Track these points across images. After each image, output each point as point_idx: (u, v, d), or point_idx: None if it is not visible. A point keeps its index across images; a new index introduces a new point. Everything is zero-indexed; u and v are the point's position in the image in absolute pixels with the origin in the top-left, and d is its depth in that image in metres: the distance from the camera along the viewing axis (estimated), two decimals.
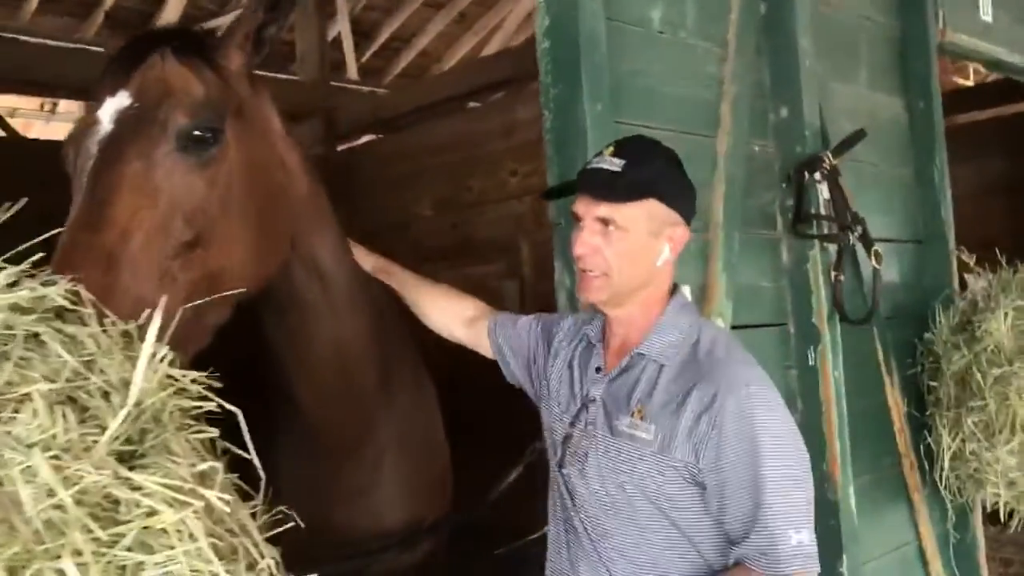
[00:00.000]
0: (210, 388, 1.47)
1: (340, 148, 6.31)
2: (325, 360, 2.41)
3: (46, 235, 1.43)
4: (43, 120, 9.11)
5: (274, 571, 1.33)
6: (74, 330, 1.31)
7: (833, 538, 3.35)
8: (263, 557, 1.36)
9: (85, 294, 1.36)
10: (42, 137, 8.49)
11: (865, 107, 3.97)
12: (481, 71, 5.89)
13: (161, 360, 1.35)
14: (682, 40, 3.17)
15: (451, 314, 2.67)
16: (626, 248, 2.07)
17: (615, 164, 2.07)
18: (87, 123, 1.94)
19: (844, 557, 3.34)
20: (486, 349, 2.60)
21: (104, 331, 1.34)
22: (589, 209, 2.08)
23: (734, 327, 3.15)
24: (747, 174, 3.30)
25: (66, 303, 1.32)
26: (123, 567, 1.16)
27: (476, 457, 2.87)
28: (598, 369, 2.21)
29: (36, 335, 1.30)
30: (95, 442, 1.17)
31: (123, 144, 1.87)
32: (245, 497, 1.47)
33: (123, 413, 1.19)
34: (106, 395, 1.27)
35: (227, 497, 1.25)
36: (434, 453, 2.85)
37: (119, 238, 1.77)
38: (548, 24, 2.76)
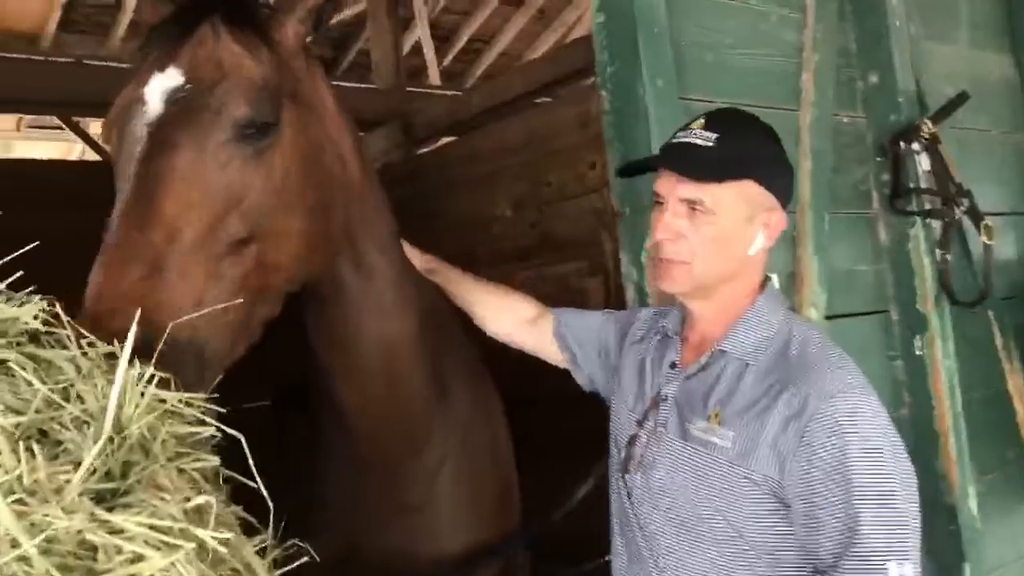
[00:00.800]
0: (210, 409, 1.31)
1: (419, 152, 6.21)
2: (369, 361, 2.20)
3: (20, 251, 1.28)
4: None
5: None
6: (51, 354, 1.17)
7: (953, 545, 3.02)
8: None
9: (63, 315, 1.22)
10: None
11: (967, 68, 3.60)
12: (552, 64, 5.69)
13: (148, 382, 1.20)
14: (754, 7, 2.91)
15: (509, 316, 2.46)
16: (714, 234, 1.83)
17: (706, 138, 1.83)
18: (132, 99, 1.78)
19: (966, 566, 3.01)
20: (551, 352, 2.38)
21: (84, 354, 1.20)
22: (673, 188, 1.84)
23: (828, 317, 2.87)
24: (835, 148, 3.01)
25: (40, 325, 1.18)
26: None
27: (545, 471, 2.68)
28: (673, 365, 1.98)
29: (2, 362, 1.16)
30: (67, 481, 1.02)
31: (174, 132, 1.73)
32: (254, 530, 1.32)
33: (98, 446, 1.03)
34: (85, 426, 1.12)
35: (226, 536, 1.09)
36: (498, 468, 2.63)
37: (168, 235, 1.64)
38: None
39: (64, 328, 1.26)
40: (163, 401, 1.25)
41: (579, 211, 4.79)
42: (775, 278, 2.12)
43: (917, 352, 3.09)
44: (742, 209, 1.84)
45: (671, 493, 1.84)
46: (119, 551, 0.98)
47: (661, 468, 1.87)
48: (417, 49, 8.84)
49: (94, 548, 0.99)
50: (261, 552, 1.26)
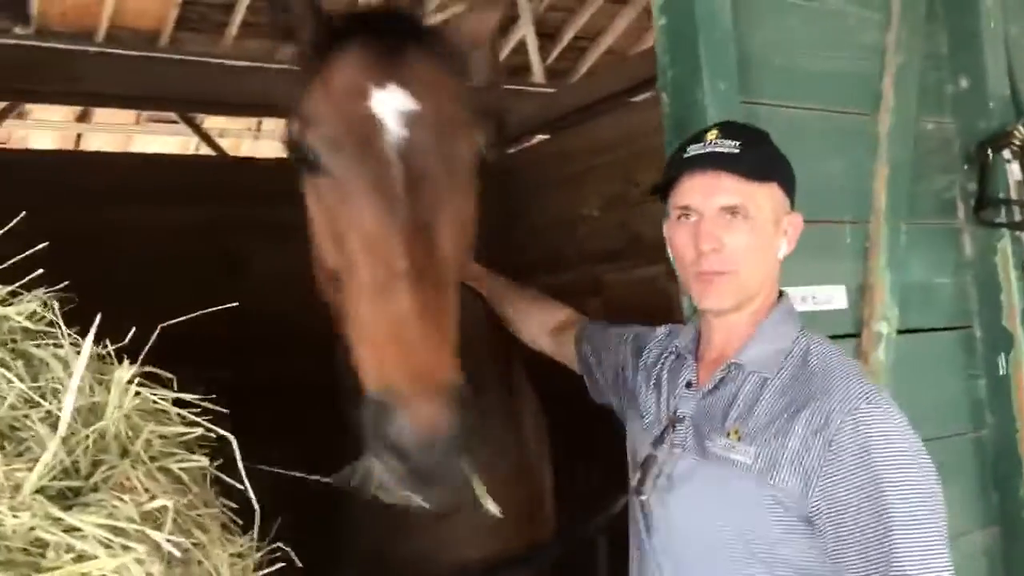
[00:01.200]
0: (206, 411, 1.34)
1: (511, 151, 6.22)
2: None
3: (37, 247, 1.33)
4: (251, 139, 9.61)
5: None
6: (42, 353, 1.21)
7: None
8: None
9: (57, 313, 1.26)
10: (250, 155, 8.99)
11: None
12: (644, 62, 5.61)
13: (130, 382, 1.23)
14: (831, 8, 2.80)
15: (537, 322, 2.46)
16: (756, 241, 1.80)
17: (729, 146, 1.80)
18: (360, 113, 1.76)
19: None
20: (571, 360, 2.36)
21: (78, 353, 1.24)
22: (709, 198, 1.80)
23: (902, 332, 2.74)
24: (917, 155, 2.87)
25: (29, 324, 1.22)
26: None
27: (585, 480, 2.64)
28: (688, 384, 1.93)
29: None
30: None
31: (435, 165, 1.76)
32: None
33: (53, 445, 1.06)
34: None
35: (179, 540, 1.10)
36: (525, 475, 2.59)
37: (452, 276, 1.72)
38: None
39: (60, 327, 1.29)
40: (156, 402, 1.28)
41: None
42: (795, 292, 2.06)
43: (1001, 372, 2.92)
44: (771, 213, 1.83)
45: (690, 515, 1.79)
46: (70, 549, 1.01)
47: (680, 489, 1.81)
48: (522, 46, 8.86)
49: (46, 545, 1.02)
50: (240, 556, 1.29)
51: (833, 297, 2.67)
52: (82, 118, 8.59)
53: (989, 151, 2.89)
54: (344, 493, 2.34)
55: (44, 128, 8.61)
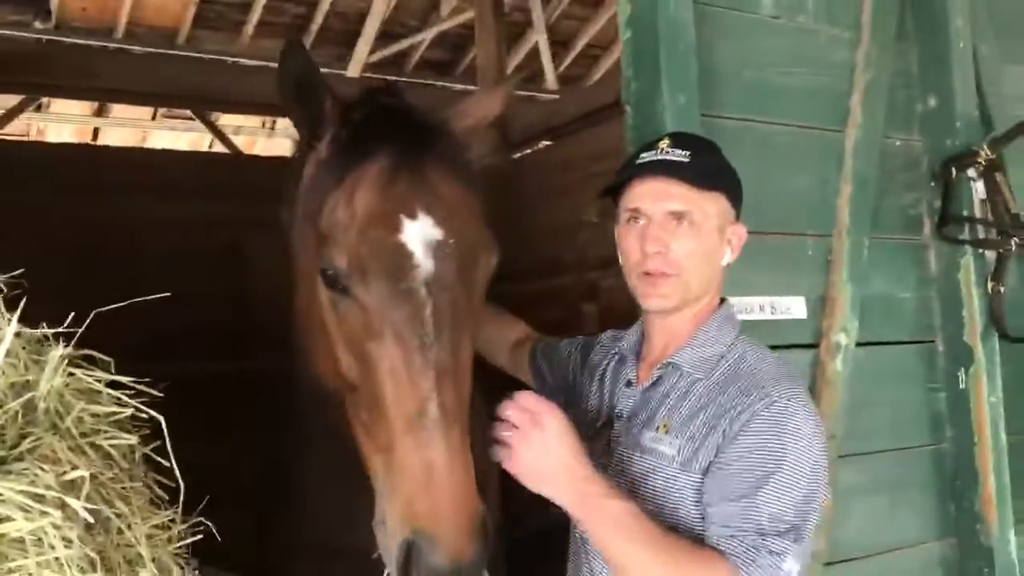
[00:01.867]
0: (143, 393, 1.43)
1: (514, 156, 6.30)
2: None
3: None
4: (264, 136, 9.75)
5: None
6: None
7: None
8: (160, 572, 1.31)
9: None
10: (264, 153, 9.13)
11: None
12: None
13: (65, 362, 1.33)
14: (801, 25, 2.87)
15: (497, 340, 2.52)
16: (699, 246, 1.89)
17: (680, 155, 1.89)
18: (391, 244, 1.72)
19: None
20: (527, 376, 2.44)
21: (18, 335, 1.33)
22: (659, 202, 1.88)
23: (863, 344, 2.81)
24: (884, 172, 2.94)
25: None
26: None
27: None
28: (629, 383, 2.03)
29: None
30: None
31: (460, 295, 1.75)
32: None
33: None
34: None
35: (92, 507, 1.20)
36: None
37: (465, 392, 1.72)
38: (629, 13, 2.57)
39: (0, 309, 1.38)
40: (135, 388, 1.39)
41: None
42: (736, 300, 2.14)
43: (961, 386, 2.98)
44: (717, 221, 1.91)
45: None
46: None
47: (611, 478, 1.86)
48: (535, 53, 8.94)
49: None
50: (169, 525, 1.38)
51: (792, 307, 2.73)
52: (99, 113, 8.75)
53: (953, 169, 2.95)
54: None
55: (62, 122, 8.78)
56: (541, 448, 1.66)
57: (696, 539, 1.75)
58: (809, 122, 2.84)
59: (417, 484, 1.59)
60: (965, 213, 2.96)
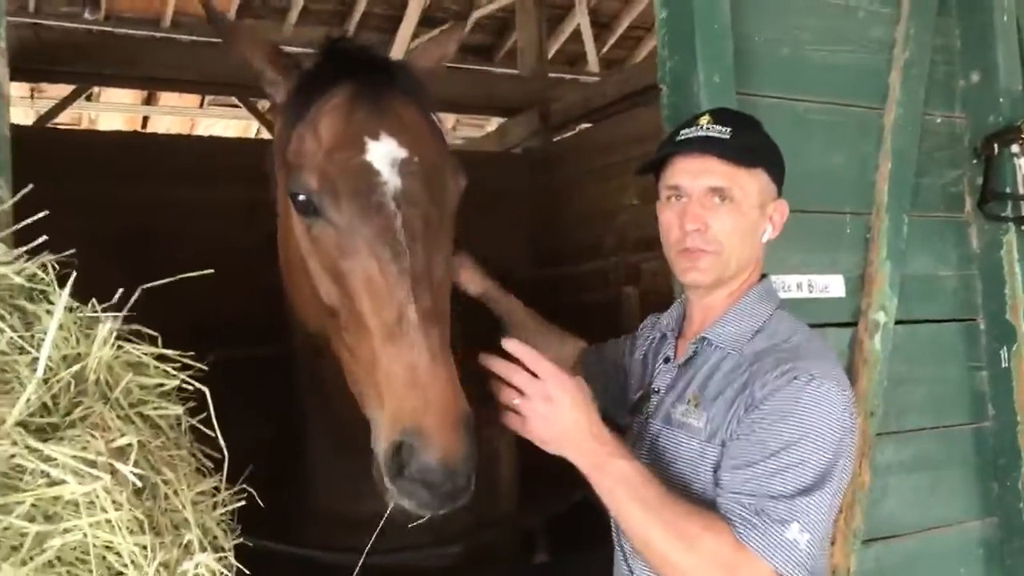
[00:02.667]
0: (187, 367, 1.49)
1: (556, 139, 6.31)
2: None
3: (38, 215, 1.49)
4: None
5: (199, 546, 1.32)
6: (34, 308, 1.38)
7: None
8: (205, 535, 1.36)
9: (51, 275, 1.42)
10: None
11: None
12: None
13: (113, 336, 1.39)
14: (839, 2, 2.85)
15: (548, 352, 2.54)
16: (740, 223, 1.88)
17: (720, 131, 1.88)
18: (359, 165, 1.82)
19: None
20: None
21: (70, 309, 1.40)
22: (698, 179, 1.88)
23: (900, 322, 2.80)
24: (924, 149, 2.92)
25: (24, 281, 1.38)
26: (24, 534, 1.20)
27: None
28: (667, 359, 2.05)
29: None
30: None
31: (432, 212, 1.85)
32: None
33: (32, 384, 1.23)
34: (47, 370, 1.32)
35: (140, 472, 1.26)
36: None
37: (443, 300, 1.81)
38: None
39: (53, 287, 1.44)
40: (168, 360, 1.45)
41: None
42: (774, 278, 2.13)
43: (1003, 364, 2.95)
44: (757, 198, 1.91)
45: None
46: (45, 476, 1.17)
47: (647, 457, 1.92)
48: (577, 35, 8.94)
49: (24, 471, 1.18)
50: (214, 492, 1.44)
51: (830, 285, 2.73)
52: (148, 101, 8.92)
53: (996, 145, 2.92)
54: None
55: (112, 111, 8.96)
56: (555, 414, 1.67)
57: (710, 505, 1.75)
58: (847, 99, 2.82)
59: (402, 386, 1.65)
60: (1008, 190, 2.92)
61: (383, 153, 1.83)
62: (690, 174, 1.89)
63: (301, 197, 1.84)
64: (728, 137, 1.87)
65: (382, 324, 1.71)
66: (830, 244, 2.76)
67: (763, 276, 2.04)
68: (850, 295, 2.76)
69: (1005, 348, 2.95)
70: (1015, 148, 2.92)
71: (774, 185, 1.95)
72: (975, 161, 3.01)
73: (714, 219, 1.87)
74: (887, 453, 2.77)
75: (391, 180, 1.81)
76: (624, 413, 2.17)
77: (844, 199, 2.79)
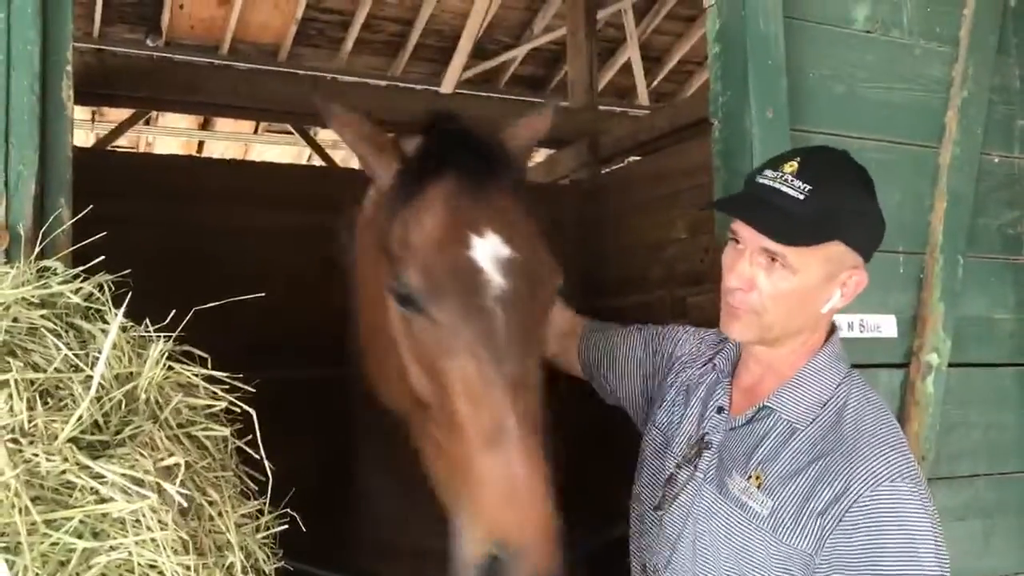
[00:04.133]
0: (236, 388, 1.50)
1: (604, 171, 6.32)
2: None
3: (96, 236, 1.53)
4: None
5: (241, 568, 1.32)
6: (89, 326, 1.40)
7: None
8: (247, 558, 1.37)
9: (107, 295, 1.44)
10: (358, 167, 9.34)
11: None
12: None
13: (165, 356, 1.41)
14: (895, 40, 2.82)
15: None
16: (790, 291, 1.75)
17: (798, 188, 1.71)
18: (461, 261, 1.78)
19: None
20: (573, 362, 2.38)
21: (124, 329, 1.42)
22: (756, 236, 1.75)
23: (954, 365, 2.74)
24: (981, 190, 2.88)
25: (78, 300, 1.41)
26: (71, 550, 1.21)
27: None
28: (720, 409, 1.95)
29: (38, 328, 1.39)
30: (61, 430, 1.24)
31: (530, 312, 1.81)
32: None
33: (84, 404, 1.24)
34: (101, 388, 1.34)
35: (186, 492, 1.27)
36: None
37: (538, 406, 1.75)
38: (718, 27, 2.58)
39: (108, 306, 1.47)
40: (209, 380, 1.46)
41: None
42: (847, 321, 2.06)
43: None
44: (824, 269, 1.76)
45: (696, 544, 1.84)
46: (94, 492, 1.19)
47: (697, 519, 1.86)
48: (628, 68, 8.96)
49: (74, 487, 1.20)
50: (257, 515, 1.45)
51: (882, 325, 2.69)
52: (204, 126, 9.09)
53: None
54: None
55: (169, 135, 9.15)
56: None
57: None
58: (902, 137, 2.79)
59: (498, 498, 1.60)
60: None
61: (487, 251, 1.80)
62: (750, 228, 1.77)
63: (404, 292, 1.80)
64: (802, 198, 1.70)
65: (479, 429, 1.67)
66: (883, 283, 2.71)
67: (832, 331, 1.92)
68: (902, 336, 2.71)
69: None
70: None
71: (854, 253, 1.78)
72: None
73: (763, 279, 1.76)
74: (939, 499, 2.67)
75: (494, 280, 1.77)
76: (655, 435, 2.10)
77: (898, 238, 2.74)
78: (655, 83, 9.39)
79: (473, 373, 1.70)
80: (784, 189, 1.73)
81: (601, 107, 6.98)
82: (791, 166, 1.76)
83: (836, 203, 1.73)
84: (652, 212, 5.42)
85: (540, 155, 7.40)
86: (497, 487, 1.61)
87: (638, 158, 6.22)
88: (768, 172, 1.79)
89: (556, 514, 1.62)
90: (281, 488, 1.56)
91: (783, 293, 1.75)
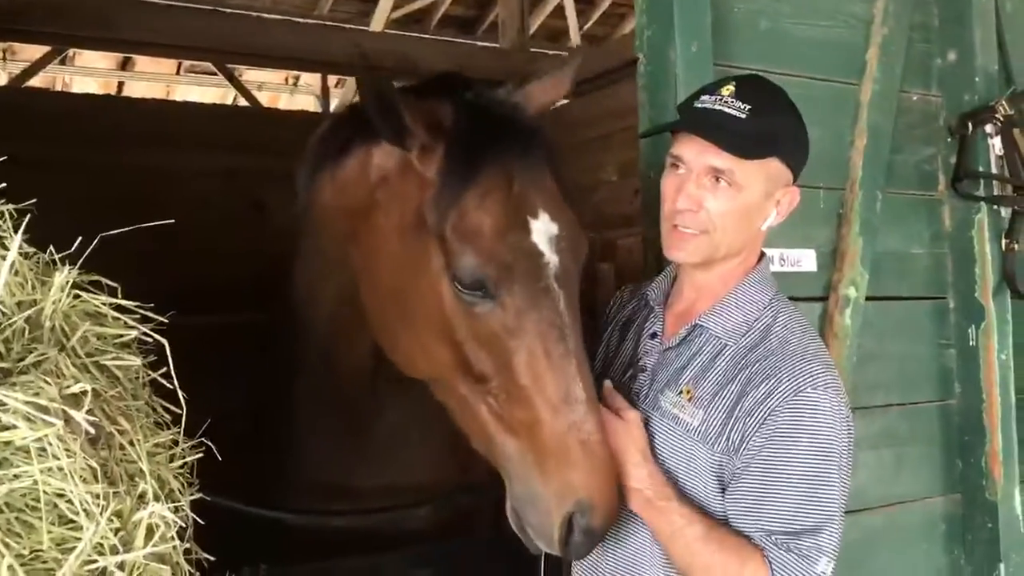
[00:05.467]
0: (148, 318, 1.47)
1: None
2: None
3: None
4: (287, 93, 9.77)
5: (155, 496, 1.30)
6: None
7: (990, 544, 2.92)
8: (161, 487, 1.35)
9: (7, 222, 1.38)
10: (287, 108, 9.16)
11: None
12: None
13: (70, 284, 1.36)
14: None
15: None
16: (737, 207, 1.81)
17: (738, 108, 1.79)
18: (524, 246, 1.81)
19: (1001, 566, 2.90)
20: None
21: (25, 255, 1.37)
22: (701, 155, 1.80)
23: (871, 298, 2.81)
24: (900, 127, 2.92)
25: None
26: None
27: None
28: (654, 335, 1.99)
29: None
30: None
31: (577, 279, 1.89)
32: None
33: None
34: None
35: (93, 419, 1.24)
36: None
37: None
38: None
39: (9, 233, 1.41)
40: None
41: None
42: (773, 253, 2.10)
43: (971, 343, 2.98)
44: (764, 186, 1.83)
45: None
46: None
47: None
48: (560, 11, 8.88)
49: None
50: (171, 445, 1.43)
51: (802, 259, 2.73)
52: (124, 67, 8.80)
53: (970, 124, 2.92)
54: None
55: (87, 75, 8.84)
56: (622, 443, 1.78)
57: (711, 512, 1.79)
58: (824, 74, 2.82)
59: (577, 461, 1.72)
60: (981, 169, 2.94)
61: (543, 232, 1.84)
62: (694, 150, 1.82)
63: (468, 280, 1.82)
64: (744, 117, 1.78)
65: (550, 401, 1.76)
66: (803, 218, 2.72)
67: (762, 256, 1.98)
68: (822, 270, 2.77)
69: (973, 327, 2.97)
70: (989, 128, 2.93)
71: (788, 172, 1.87)
72: (949, 140, 3.02)
73: (710, 199, 1.81)
74: (855, 429, 2.77)
75: (551, 259, 1.83)
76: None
77: (818, 174, 2.77)
78: (587, 25, 9.34)
79: (542, 350, 1.78)
80: (726, 110, 1.80)
81: (532, 49, 6.90)
82: (728, 89, 1.83)
83: (773, 122, 1.83)
84: (583, 154, 5.42)
85: None
86: (573, 452, 1.72)
87: (568, 100, 6.18)
88: (705, 97, 1.86)
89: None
90: (215, 431, 1.54)
91: (730, 210, 1.82)
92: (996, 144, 2.93)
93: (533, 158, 1.91)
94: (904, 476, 2.92)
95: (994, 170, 2.93)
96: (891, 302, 2.92)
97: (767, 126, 1.80)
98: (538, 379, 1.77)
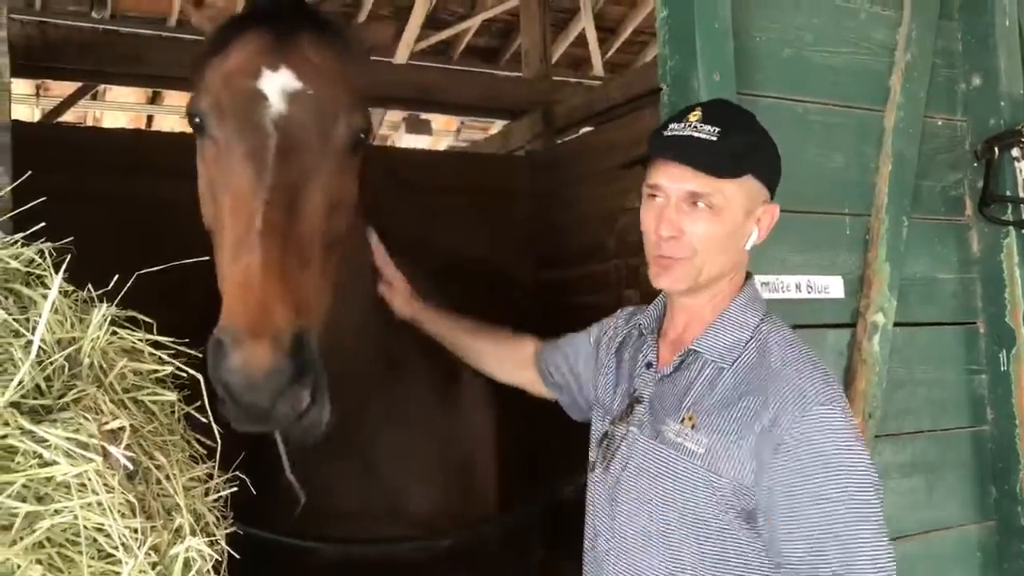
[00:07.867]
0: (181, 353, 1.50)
1: (559, 141, 6.32)
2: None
3: (32, 203, 1.50)
4: None
5: (191, 530, 1.32)
6: (30, 292, 1.38)
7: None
8: (196, 521, 1.37)
9: (48, 261, 1.42)
10: None
11: None
12: None
13: (108, 321, 1.39)
14: (841, 3, 2.85)
15: (507, 361, 2.48)
16: (718, 231, 1.80)
17: (708, 131, 1.79)
18: (247, 89, 1.91)
19: None
20: (538, 386, 2.41)
21: (64, 293, 1.40)
22: (677, 181, 1.79)
23: (900, 324, 2.80)
24: (925, 152, 2.93)
25: (18, 265, 1.39)
26: (14, 514, 1.20)
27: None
28: (649, 364, 1.97)
29: None
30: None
31: (307, 136, 1.92)
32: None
33: (25, 366, 1.23)
34: (42, 352, 1.32)
35: (131, 455, 1.26)
36: (455, 446, 2.71)
37: (310, 237, 1.84)
38: None
39: (49, 271, 1.45)
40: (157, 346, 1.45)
41: None
42: (759, 279, 2.09)
43: (1002, 368, 2.95)
44: (743, 204, 1.83)
45: (638, 495, 1.85)
46: (37, 456, 1.18)
47: (631, 470, 1.87)
48: (582, 40, 8.94)
49: (16, 452, 1.19)
50: (206, 479, 1.45)
51: (829, 287, 2.73)
52: (153, 101, 8.93)
53: (996, 149, 2.92)
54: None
55: (116, 110, 8.98)
56: None
57: (735, 543, 1.73)
58: (848, 101, 2.83)
59: (230, 287, 1.70)
60: (1008, 193, 2.93)
61: (276, 82, 1.92)
62: (670, 176, 1.81)
63: (196, 119, 1.96)
64: (715, 139, 1.78)
65: (233, 234, 1.78)
66: (830, 245, 2.76)
67: (748, 276, 1.98)
68: (849, 296, 2.76)
69: (1004, 352, 2.94)
70: (1015, 152, 2.93)
71: (765, 189, 1.87)
72: (976, 164, 3.02)
73: (690, 224, 1.79)
74: (885, 455, 2.77)
75: (276, 105, 1.89)
76: (596, 409, 2.11)
77: (844, 200, 2.79)
78: (609, 54, 9.37)
79: (237, 184, 1.84)
80: (695, 135, 1.80)
81: (555, 78, 6.96)
82: (696, 115, 1.84)
83: (744, 140, 1.83)
84: (606, 182, 5.44)
85: (496, 126, 7.39)
86: (231, 279, 1.71)
87: (592, 128, 6.22)
88: (674, 125, 1.86)
89: (286, 317, 1.64)
90: (232, 456, 1.56)
91: (712, 233, 1.80)
92: (1023, 168, 2.92)
93: (307, 34, 2.00)
94: (937, 503, 2.89)
95: (1021, 194, 2.92)
96: (920, 328, 2.91)
97: (739, 145, 1.80)
98: (230, 211, 1.82)
